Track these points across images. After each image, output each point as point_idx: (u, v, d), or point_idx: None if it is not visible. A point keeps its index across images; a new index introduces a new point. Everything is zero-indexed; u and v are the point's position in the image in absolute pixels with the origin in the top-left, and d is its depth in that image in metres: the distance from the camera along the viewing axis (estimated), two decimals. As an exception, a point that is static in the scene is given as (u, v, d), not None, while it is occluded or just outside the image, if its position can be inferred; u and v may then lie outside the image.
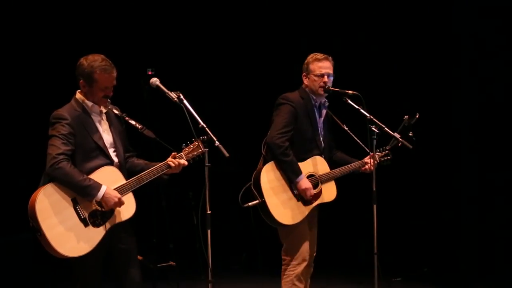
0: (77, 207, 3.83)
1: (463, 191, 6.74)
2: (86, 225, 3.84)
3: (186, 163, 4.11)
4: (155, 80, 4.08)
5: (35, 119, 7.26)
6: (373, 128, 4.77)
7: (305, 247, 4.76)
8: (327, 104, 4.85)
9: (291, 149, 4.60)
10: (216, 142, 4.00)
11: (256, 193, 4.55)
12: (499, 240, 6.66)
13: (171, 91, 4.04)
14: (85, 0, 7.18)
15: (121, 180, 3.98)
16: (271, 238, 7.04)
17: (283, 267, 4.80)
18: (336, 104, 5.11)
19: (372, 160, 4.81)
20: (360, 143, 4.87)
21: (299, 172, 4.61)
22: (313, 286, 6.52)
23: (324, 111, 4.84)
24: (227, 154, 4.09)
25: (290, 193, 4.66)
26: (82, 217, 3.84)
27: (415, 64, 6.95)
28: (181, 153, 4.14)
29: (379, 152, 4.97)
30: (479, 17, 6.61)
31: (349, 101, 4.86)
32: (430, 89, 6.88)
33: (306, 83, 4.78)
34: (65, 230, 3.78)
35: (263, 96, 5.30)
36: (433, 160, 6.89)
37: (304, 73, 4.79)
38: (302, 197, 4.68)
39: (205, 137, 3.99)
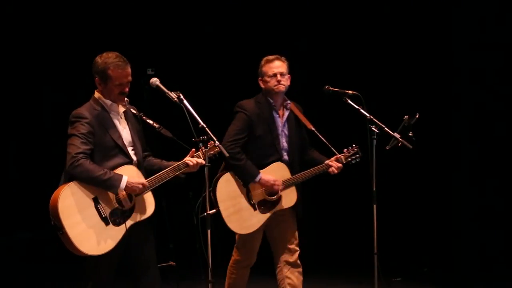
0: (98, 206, 3.86)
1: (463, 191, 6.74)
2: (107, 224, 3.87)
3: (203, 162, 4.10)
4: (155, 80, 4.08)
5: (34, 119, 7.30)
6: (373, 128, 4.78)
7: (252, 253, 4.81)
8: (289, 105, 4.83)
9: (249, 156, 4.60)
10: (216, 142, 4.01)
11: (214, 200, 4.55)
12: (498, 240, 6.66)
13: (171, 91, 4.05)
14: (86, 1, 7.18)
15: (140, 179, 3.99)
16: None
17: (230, 263, 4.88)
18: (336, 104, 5.12)
19: (337, 163, 4.81)
20: (328, 143, 4.85)
21: (255, 172, 4.60)
22: (313, 286, 6.54)
23: (286, 112, 4.82)
24: (227, 154, 4.12)
25: (246, 203, 4.66)
26: (103, 216, 3.86)
27: (415, 64, 6.95)
28: (198, 152, 4.15)
29: (347, 151, 4.92)
30: (479, 17, 6.61)
31: (349, 101, 4.87)
32: (429, 89, 6.88)
33: (263, 86, 4.78)
34: (86, 229, 3.81)
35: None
36: (432, 160, 6.89)
37: (260, 78, 4.80)
38: (260, 206, 4.68)
39: (205, 137, 4.00)
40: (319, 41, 7.16)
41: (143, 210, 3.99)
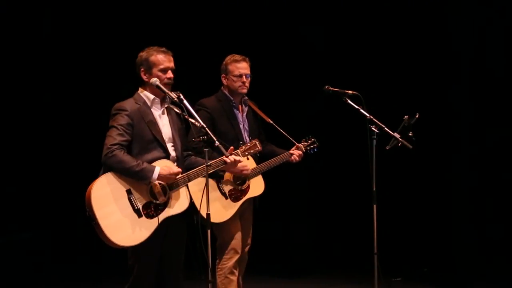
0: (131, 198, 3.91)
1: (463, 191, 6.73)
2: (139, 216, 3.92)
3: (241, 160, 4.20)
4: (155, 80, 4.08)
5: (35, 119, 7.30)
6: (373, 128, 4.79)
7: (236, 241, 4.86)
8: (247, 101, 5.00)
9: (215, 151, 4.58)
10: (216, 142, 4.01)
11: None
12: (498, 240, 6.66)
13: (171, 91, 4.05)
14: (85, 1, 7.19)
15: (173, 169, 4.03)
16: (268, 240, 7.06)
17: (217, 261, 4.89)
18: (336, 104, 5.12)
19: (298, 151, 5.04)
20: (286, 135, 5.04)
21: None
22: (313, 286, 6.55)
23: (246, 108, 5.01)
24: (227, 154, 4.12)
25: (218, 193, 4.75)
26: (136, 208, 3.91)
27: (415, 64, 6.94)
28: (237, 150, 4.24)
29: (305, 141, 5.16)
30: (479, 17, 6.60)
31: (349, 101, 4.89)
32: (429, 89, 6.87)
33: (226, 84, 4.93)
34: (118, 220, 3.86)
35: (262, 94, 5.30)
36: (432, 160, 6.88)
37: (223, 74, 4.94)
38: (231, 195, 4.78)
39: (205, 137, 4.00)
40: (319, 41, 7.15)
41: (177, 205, 4.05)
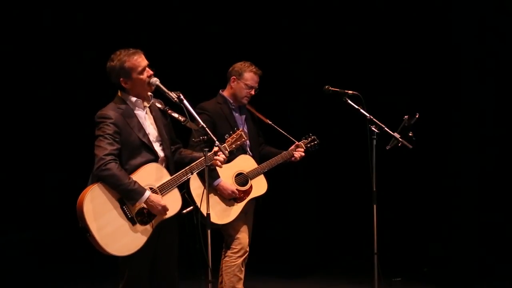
0: (124, 207, 3.87)
1: (463, 191, 6.73)
2: (133, 224, 3.88)
3: (226, 154, 4.13)
4: (155, 80, 4.07)
5: (33, 118, 7.30)
6: (373, 128, 4.80)
7: (245, 239, 4.90)
8: (245, 105, 5.04)
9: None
10: (216, 142, 4.01)
11: (189, 199, 4.59)
12: (499, 240, 6.66)
13: (171, 91, 4.05)
14: (85, 1, 7.19)
15: (165, 176, 4.01)
16: (269, 240, 7.07)
17: (225, 259, 4.92)
18: (336, 104, 5.13)
19: (299, 149, 5.07)
20: (286, 134, 5.08)
21: (215, 176, 4.71)
22: (313, 286, 6.55)
23: (244, 111, 5.04)
24: (227, 154, 4.12)
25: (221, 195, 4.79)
26: (129, 216, 3.87)
27: (415, 64, 6.94)
28: (224, 144, 4.19)
29: (305, 139, 5.16)
30: (480, 16, 6.60)
31: (349, 101, 4.91)
32: (430, 89, 6.88)
33: (233, 86, 4.95)
34: (113, 230, 3.82)
35: (262, 95, 5.30)
36: (432, 160, 6.89)
37: (234, 77, 4.95)
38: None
39: (205, 137, 3.99)
40: (319, 41, 7.15)
41: (169, 208, 3.99)
